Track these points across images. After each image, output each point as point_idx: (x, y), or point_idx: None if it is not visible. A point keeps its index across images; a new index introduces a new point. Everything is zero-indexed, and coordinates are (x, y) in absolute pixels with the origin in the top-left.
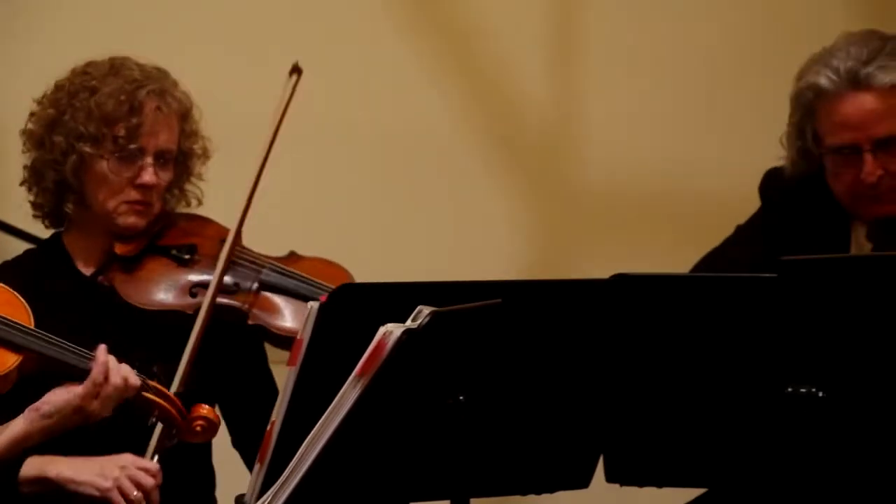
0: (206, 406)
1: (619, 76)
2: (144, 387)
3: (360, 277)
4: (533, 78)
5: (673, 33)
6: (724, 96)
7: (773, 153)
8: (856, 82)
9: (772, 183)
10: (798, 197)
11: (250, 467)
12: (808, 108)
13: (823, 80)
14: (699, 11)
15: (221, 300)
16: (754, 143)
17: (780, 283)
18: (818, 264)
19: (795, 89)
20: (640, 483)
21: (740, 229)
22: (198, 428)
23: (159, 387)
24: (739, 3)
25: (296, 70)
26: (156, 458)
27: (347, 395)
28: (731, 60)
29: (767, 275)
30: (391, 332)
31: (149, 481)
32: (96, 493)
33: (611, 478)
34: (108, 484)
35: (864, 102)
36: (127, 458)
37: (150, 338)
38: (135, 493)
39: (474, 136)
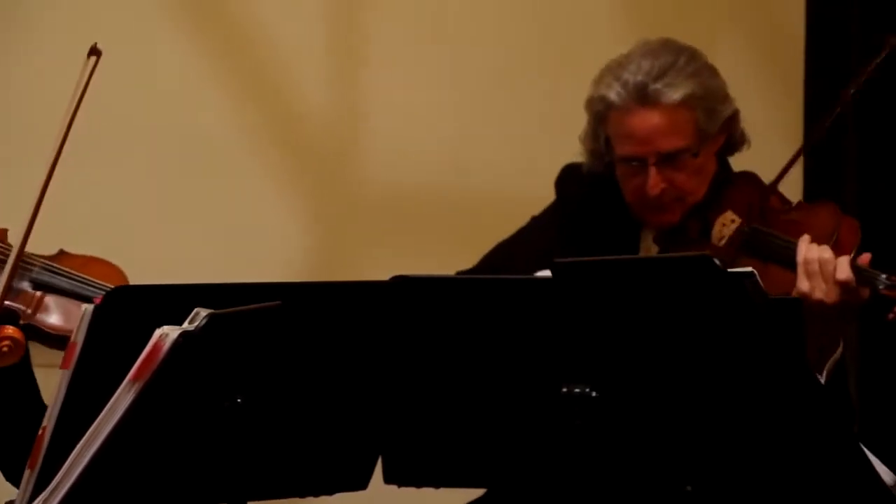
0: (11, 327)
1: (400, 77)
2: None
3: (137, 279)
4: (314, 79)
5: (453, 33)
6: (505, 97)
7: (553, 153)
8: (643, 98)
9: (568, 178)
10: (593, 195)
11: (9, 476)
12: (600, 116)
13: (612, 95)
14: (477, 12)
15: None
16: (534, 144)
17: (555, 284)
18: (591, 266)
19: (589, 96)
20: (418, 484)
21: (535, 220)
22: (4, 348)
23: None
24: (516, 3)
25: (94, 52)
26: None
27: (122, 399)
28: (511, 61)
29: (543, 276)
30: (167, 334)
31: None
32: None
33: (389, 479)
34: None
35: (651, 118)
36: None
37: None
38: None
39: (254, 137)
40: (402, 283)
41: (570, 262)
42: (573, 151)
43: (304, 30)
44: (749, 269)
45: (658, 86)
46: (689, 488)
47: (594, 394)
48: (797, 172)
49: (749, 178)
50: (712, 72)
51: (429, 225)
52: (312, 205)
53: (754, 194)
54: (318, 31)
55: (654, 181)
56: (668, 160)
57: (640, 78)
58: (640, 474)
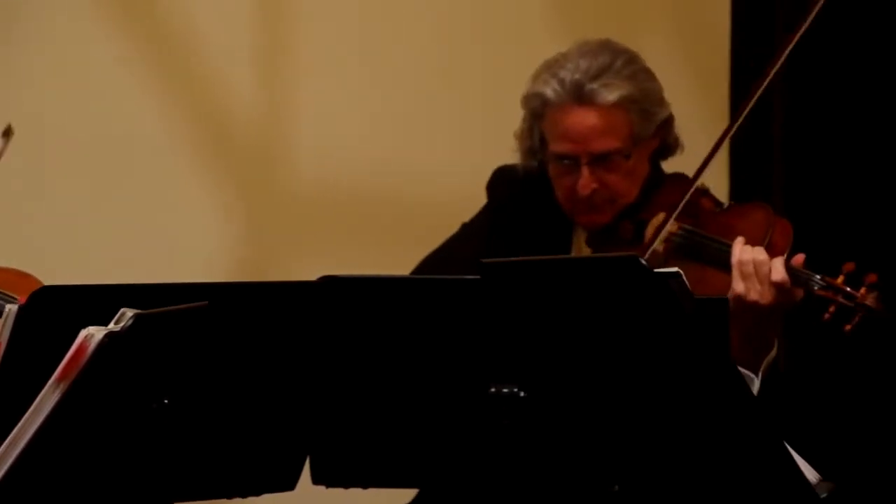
0: None
1: (332, 76)
2: None
3: (63, 280)
4: (242, 78)
5: (382, 33)
6: (434, 97)
7: (484, 154)
8: (579, 97)
9: (500, 181)
10: (525, 197)
11: None
12: (536, 113)
13: (549, 91)
14: (407, 11)
15: None
16: (464, 144)
17: (483, 285)
18: (518, 266)
19: (525, 93)
20: (347, 485)
21: (466, 226)
22: None
23: None
24: (446, 2)
25: (7, 133)
26: None
27: (46, 400)
28: (440, 61)
29: (471, 277)
30: (93, 335)
31: None
32: None
33: (317, 480)
34: None
35: (586, 118)
36: None
37: None
38: None
39: (181, 137)
40: (330, 284)
41: (498, 263)
42: (505, 152)
43: (231, 29)
44: (675, 269)
45: (594, 86)
46: (616, 488)
47: (522, 394)
48: (723, 172)
49: (680, 179)
50: (649, 75)
51: (358, 225)
52: (240, 205)
53: (682, 196)
54: (246, 30)
55: (586, 181)
56: (600, 161)
57: (577, 77)
58: (567, 474)
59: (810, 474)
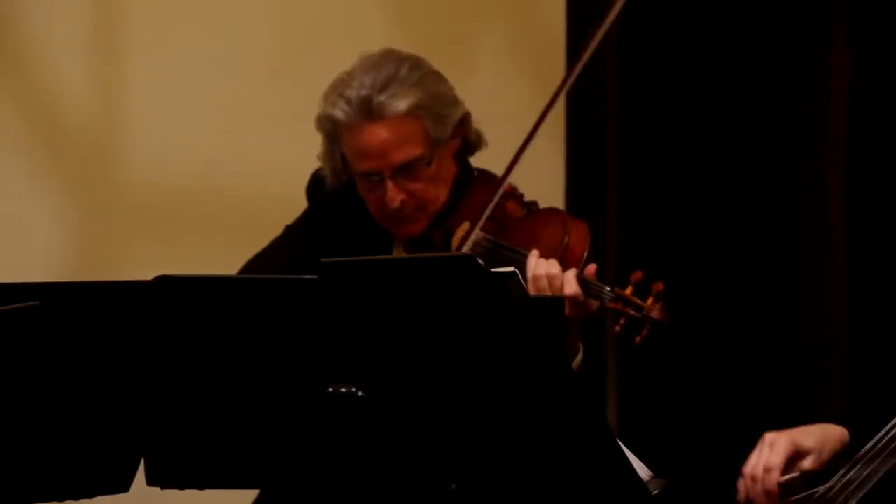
0: None
1: (165, 75)
2: None
3: None
4: (74, 77)
5: (213, 32)
6: (265, 98)
7: (314, 154)
8: (369, 113)
9: (319, 186)
10: (343, 204)
11: None
12: (332, 135)
13: (339, 113)
14: (239, 10)
15: None
16: (295, 144)
17: (320, 284)
18: (356, 266)
19: (317, 116)
20: (182, 486)
21: (288, 229)
22: None
23: None
24: (288, 3)
25: None
26: None
27: None
28: (278, 60)
29: (309, 276)
30: None
31: None
32: None
33: (151, 481)
34: None
35: (379, 132)
36: None
37: None
38: None
39: (13, 136)
40: (164, 283)
41: (336, 262)
42: None
43: (64, 27)
44: (511, 269)
45: (382, 98)
46: (452, 486)
47: (360, 393)
48: (559, 176)
49: (487, 178)
50: (437, 77)
51: (193, 225)
52: (73, 204)
53: (490, 199)
54: (78, 28)
55: (393, 194)
56: (403, 171)
57: (363, 93)
58: (405, 473)
59: (642, 471)
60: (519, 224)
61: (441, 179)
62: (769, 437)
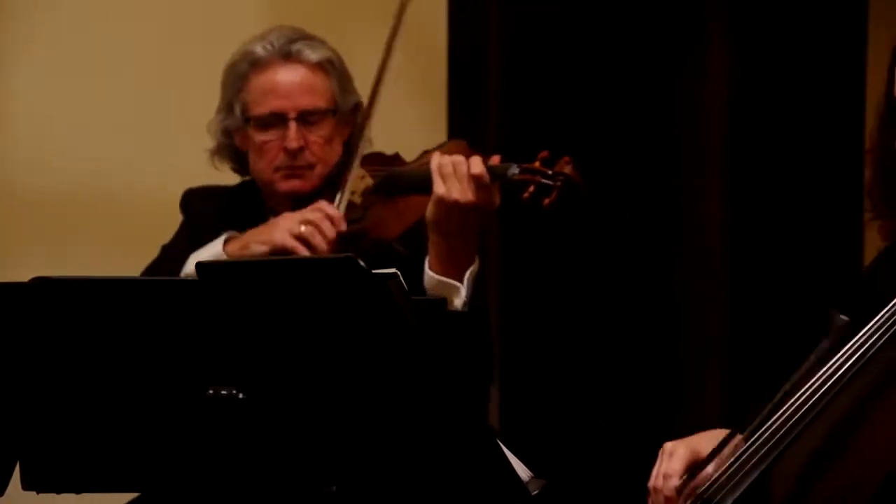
0: None
1: (52, 75)
2: None
3: None
4: None
5: (96, 33)
6: (156, 98)
7: (200, 156)
8: (287, 54)
9: (194, 198)
10: (223, 212)
11: None
12: (241, 77)
13: (259, 49)
14: (122, 11)
15: None
16: (187, 147)
17: (201, 286)
18: (235, 267)
19: (229, 63)
20: (58, 490)
21: (165, 248)
22: None
23: None
24: (177, 4)
25: None
26: None
27: None
28: (163, 61)
29: (189, 278)
30: None
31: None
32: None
33: (27, 485)
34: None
35: (294, 73)
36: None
37: None
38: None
39: None
40: (41, 285)
41: (216, 264)
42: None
43: None
44: (392, 270)
45: (299, 45)
46: (333, 488)
47: (241, 396)
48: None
49: (374, 156)
50: (342, 61)
51: (73, 228)
52: None
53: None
54: None
55: (294, 135)
56: (305, 119)
57: (282, 40)
58: (286, 475)
59: (522, 471)
60: (413, 162)
61: (333, 145)
62: (668, 446)
